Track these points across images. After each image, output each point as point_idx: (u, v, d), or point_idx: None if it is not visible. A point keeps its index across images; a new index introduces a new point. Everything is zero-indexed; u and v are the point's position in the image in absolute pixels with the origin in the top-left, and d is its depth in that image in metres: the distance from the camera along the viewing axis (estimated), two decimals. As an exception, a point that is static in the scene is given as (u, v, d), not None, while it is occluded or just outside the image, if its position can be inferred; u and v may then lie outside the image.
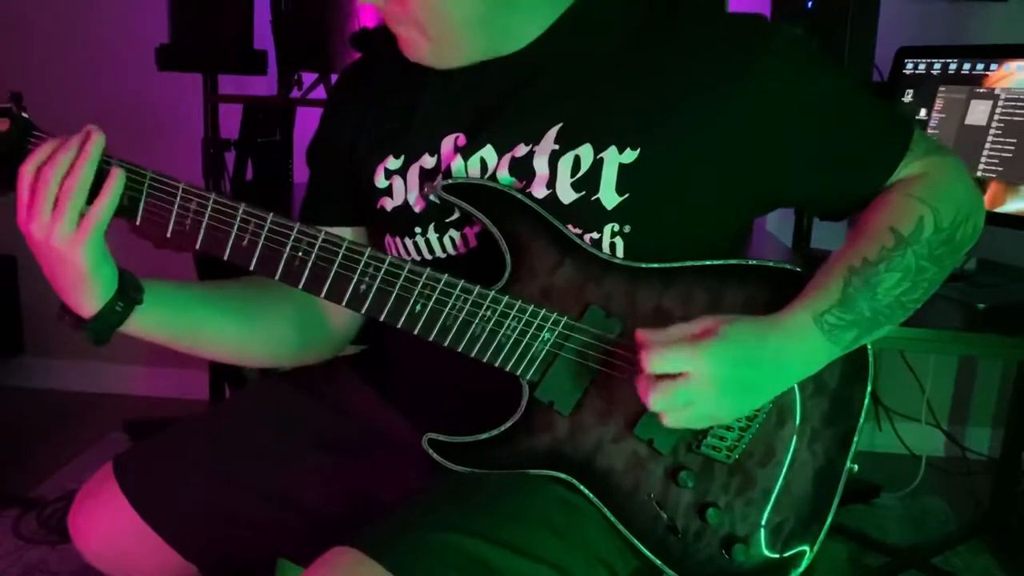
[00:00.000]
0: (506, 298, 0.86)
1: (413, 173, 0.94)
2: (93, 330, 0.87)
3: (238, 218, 0.84)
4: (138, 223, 0.84)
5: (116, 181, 0.82)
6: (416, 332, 0.87)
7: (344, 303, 0.87)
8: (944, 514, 2.22)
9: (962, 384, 2.51)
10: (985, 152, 1.52)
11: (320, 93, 1.96)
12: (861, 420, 0.92)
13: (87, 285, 0.84)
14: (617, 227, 0.86)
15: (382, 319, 0.87)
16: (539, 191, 0.88)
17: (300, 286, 0.87)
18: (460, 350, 0.87)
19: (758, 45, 0.86)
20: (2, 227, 2.45)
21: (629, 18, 0.90)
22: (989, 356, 2.41)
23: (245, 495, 0.99)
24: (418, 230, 0.94)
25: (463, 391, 0.93)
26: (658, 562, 0.87)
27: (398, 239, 0.96)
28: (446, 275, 0.86)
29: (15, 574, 1.80)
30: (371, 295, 0.86)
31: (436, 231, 0.93)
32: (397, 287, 0.86)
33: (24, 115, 0.85)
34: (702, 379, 0.78)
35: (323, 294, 0.86)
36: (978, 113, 1.55)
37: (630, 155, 0.86)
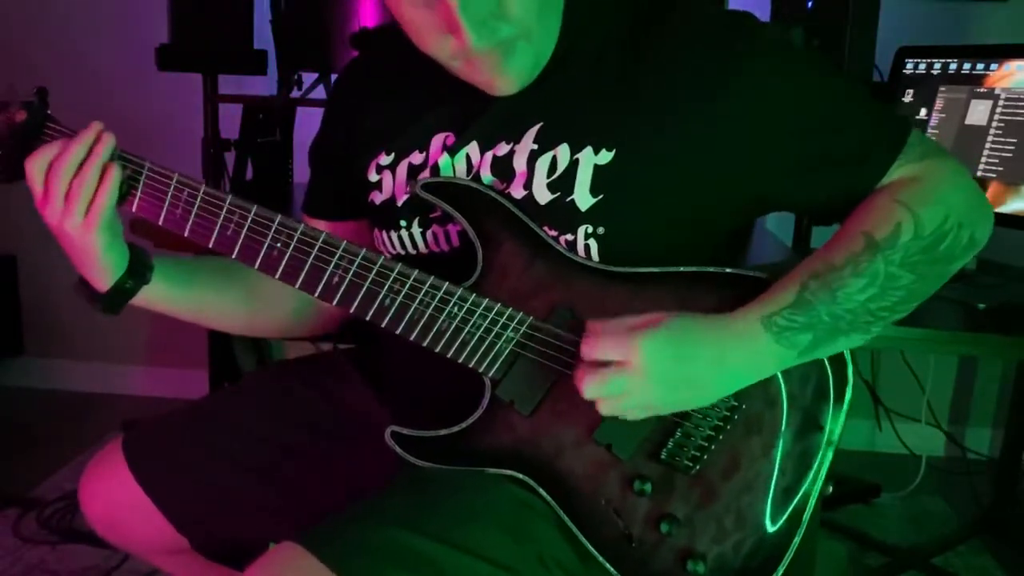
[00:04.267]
0: (473, 296, 0.87)
1: (402, 169, 0.96)
2: (105, 303, 0.94)
3: (224, 208, 0.89)
4: (134, 209, 0.90)
5: (114, 175, 0.87)
6: (384, 325, 0.89)
7: (317, 294, 0.90)
8: (944, 514, 2.22)
9: (962, 384, 2.51)
10: (985, 152, 1.52)
11: (320, 93, 1.96)
12: (834, 441, 0.88)
13: (99, 264, 0.91)
14: (591, 228, 0.86)
15: (352, 311, 0.90)
16: (517, 191, 0.88)
17: (276, 276, 0.90)
18: (426, 345, 0.89)
19: (741, 47, 0.85)
20: (3, 227, 2.47)
21: (616, 19, 0.90)
22: (989, 356, 2.41)
23: (243, 476, 1.03)
24: (403, 224, 0.95)
25: (442, 389, 0.93)
26: (613, 570, 0.86)
27: (384, 233, 0.97)
28: (416, 271, 0.87)
29: (15, 574, 1.80)
30: (343, 287, 0.89)
31: (420, 226, 0.94)
32: (368, 280, 0.88)
33: (46, 110, 0.91)
34: (635, 368, 0.78)
35: (298, 284, 0.90)
36: (978, 113, 1.55)
37: (606, 156, 0.86)
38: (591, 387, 0.79)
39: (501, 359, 0.88)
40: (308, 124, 1.75)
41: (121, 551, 1.84)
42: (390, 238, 0.97)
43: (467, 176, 0.92)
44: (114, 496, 1.04)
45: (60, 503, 2.04)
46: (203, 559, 1.08)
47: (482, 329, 0.87)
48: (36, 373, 2.74)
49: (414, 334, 0.89)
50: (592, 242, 0.86)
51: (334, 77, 1.92)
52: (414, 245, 0.95)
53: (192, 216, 0.89)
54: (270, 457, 1.04)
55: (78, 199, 0.85)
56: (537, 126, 0.89)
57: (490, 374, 0.88)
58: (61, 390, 2.72)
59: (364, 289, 0.88)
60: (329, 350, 1.21)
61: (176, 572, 1.16)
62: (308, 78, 1.98)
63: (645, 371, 0.78)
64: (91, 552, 1.87)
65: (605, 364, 0.79)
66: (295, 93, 1.97)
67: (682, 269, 0.87)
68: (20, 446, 2.37)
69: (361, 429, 1.04)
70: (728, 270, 0.87)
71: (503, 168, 0.90)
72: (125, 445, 1.05)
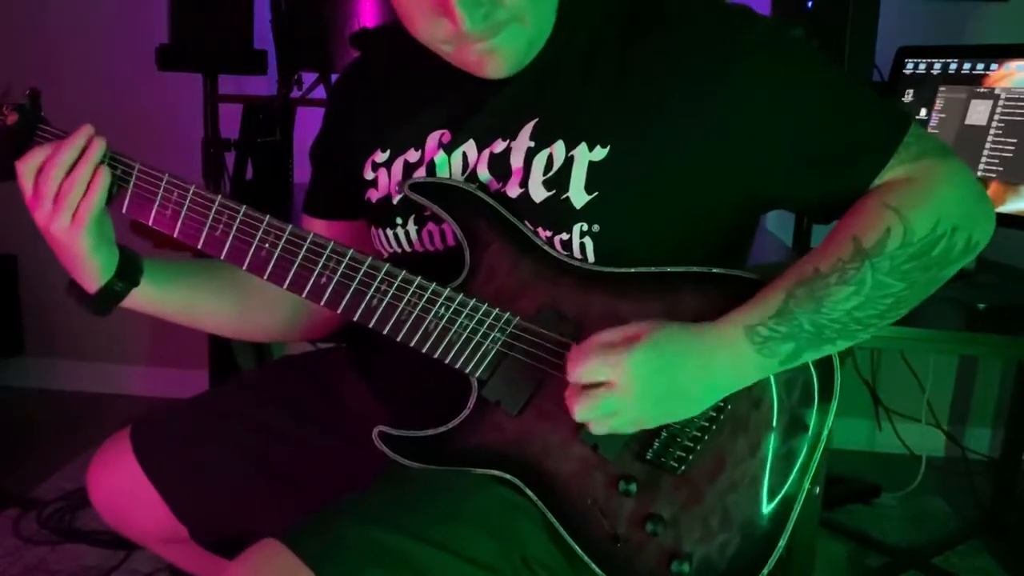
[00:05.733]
0: (460, 296, 0.87)
1: (397, 166, 0.96)
2: (94, 304, 0.94)
3: (213, 209, 0.89)
4: (124, 210, 0.91)
5: (103, 178, 0.87)
6: (372, 326, 0.89)
7: (305, 294, 0.90)
8: (944, 514, 2.22)
9: (962, 384, 2.51)
10: (985, 152, 1.52)
11: (320, 93, 1.96)
12: (821, 442, 0.87)
13: (87, 266, 0.91)
14: (586, 226, 0.86)
15: (340, 312, 0.90)
16: (513, 189, 0.88)
17: (265, 276, 0.90)
18: (413, 345, 0.89)
19: (736, 43, 0.83)
20: (2, 227, 2.47)
21: (612, 14, 0.89)
22: (989, 356, 2.41)
23: (245, 469, 1.04)
24: (399, 221, 0.95)
25: (432, 389, 0.93)
26: (598, 570, 0.86)
27: (380, 231, 0.98)
28: (403, 271, 0.87)
29: (15, 574, 1.80)
30: (331, 288, 0.89)
31: (415, 223, 0.94)
32: (356, 281, 0.88)
33: (39, 112, 0.91)
34: (623, 387, 0.78)
35: (286, 285, 0.90)
36: (978, 113, 1.55)
37: (600, 153, 0.86)
38: (582, 411, 0.79)
39: (488, 360, 0.88)
40: (308, 124, 1.76)
41: (121, 551, 1.85)
42: (386, 235, 0.97)
43: (463, 174, 0.92)
44: (119, 483, 1.06)
45: (60, 503, 2.04)
46: (200, 549, 1.08)
47: (468, 329, 0.87)
48: (36, 373, 2.74)
49: (401, 335, 0.89)
50: (587, 240, 0.86)
51: (334, 77, 1.93)
52: (409, 243, 0.95)
53: (181, 217, 0.89)
54: (272, 451, 1.05)
55: (66, 201, 0.86)
56: (532, 122, 0.89)
57: (477, 374, 0.88)
58: (61, 390, 2.72)
59: (351, 290, 0.89)
60: (328, 347, 1.21)
61: (174, 560, 1.17)
62: (308, 78, 1.98)
63: (633, 389, 0.78)
64: (91, 552, 1.87)
65: (593, 385, 0.79)
66: (295, 93, 1.97)
67: (668, 269, 0.86)
68: (20, 446, 2.37)
69: (359, 427, 1.04)
70: (715, 270, 0.86)
71: (500, 165, 0.90)
72: (133, 434, 1.07)
